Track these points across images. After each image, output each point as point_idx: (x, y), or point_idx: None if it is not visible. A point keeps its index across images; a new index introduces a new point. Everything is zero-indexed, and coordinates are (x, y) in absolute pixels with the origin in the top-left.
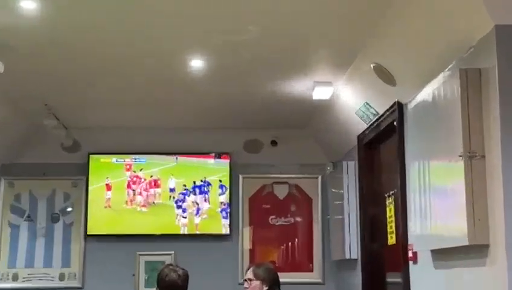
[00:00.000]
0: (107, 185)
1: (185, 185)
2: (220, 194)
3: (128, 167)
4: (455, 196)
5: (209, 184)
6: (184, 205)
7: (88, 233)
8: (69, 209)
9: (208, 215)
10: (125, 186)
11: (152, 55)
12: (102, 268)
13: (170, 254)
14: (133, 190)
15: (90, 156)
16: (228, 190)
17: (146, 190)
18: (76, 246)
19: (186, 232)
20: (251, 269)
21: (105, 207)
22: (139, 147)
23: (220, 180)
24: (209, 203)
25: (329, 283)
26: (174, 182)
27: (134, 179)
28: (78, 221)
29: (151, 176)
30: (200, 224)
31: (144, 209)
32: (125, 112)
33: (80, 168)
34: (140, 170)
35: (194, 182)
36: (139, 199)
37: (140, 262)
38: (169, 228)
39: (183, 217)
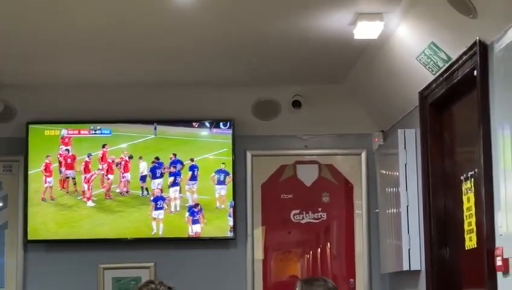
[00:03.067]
0: (46, 166)
1: (165, 167)
2: (218, 181)
3: (65, 140)
4: None
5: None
6: (168, 195)
7: (29, 238)
8: (0, 204)
9: (202, 211)
10: (82, 168)
11: None
12: (50, 289)
13: (148, 267)
14: (90, 175)
15: (30, 126)
16: (231, 174)
17: (107, 174)
18: (11, 258)
19: (171, 236)
20: (298, 285)
21: (43, 200)
22: (100, 112)
23: (224, 163)
24: (200, 193)
25: None
26: (145, 165)
27: (67, 160)
28: (13, 221)
29: (122, 155)
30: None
31: (104, 202)
32: (82, 63)
33: (14, 144)
34: (103, 146)
35: (178, 162)
36: (85, 187)
37: (105, 279)
38: (145, 230)
39: (166, 213)
